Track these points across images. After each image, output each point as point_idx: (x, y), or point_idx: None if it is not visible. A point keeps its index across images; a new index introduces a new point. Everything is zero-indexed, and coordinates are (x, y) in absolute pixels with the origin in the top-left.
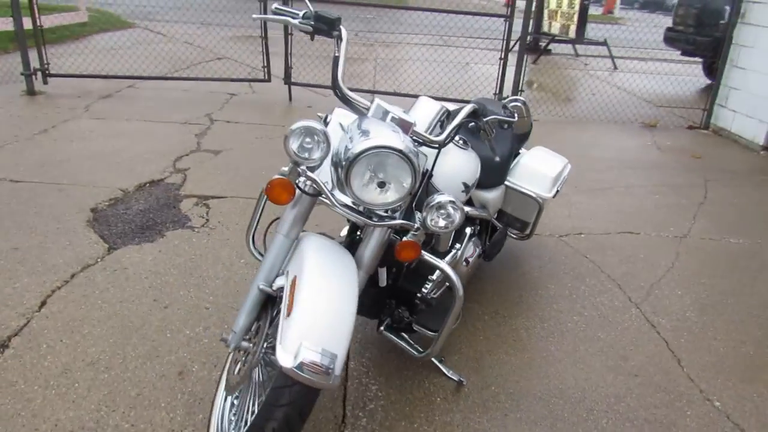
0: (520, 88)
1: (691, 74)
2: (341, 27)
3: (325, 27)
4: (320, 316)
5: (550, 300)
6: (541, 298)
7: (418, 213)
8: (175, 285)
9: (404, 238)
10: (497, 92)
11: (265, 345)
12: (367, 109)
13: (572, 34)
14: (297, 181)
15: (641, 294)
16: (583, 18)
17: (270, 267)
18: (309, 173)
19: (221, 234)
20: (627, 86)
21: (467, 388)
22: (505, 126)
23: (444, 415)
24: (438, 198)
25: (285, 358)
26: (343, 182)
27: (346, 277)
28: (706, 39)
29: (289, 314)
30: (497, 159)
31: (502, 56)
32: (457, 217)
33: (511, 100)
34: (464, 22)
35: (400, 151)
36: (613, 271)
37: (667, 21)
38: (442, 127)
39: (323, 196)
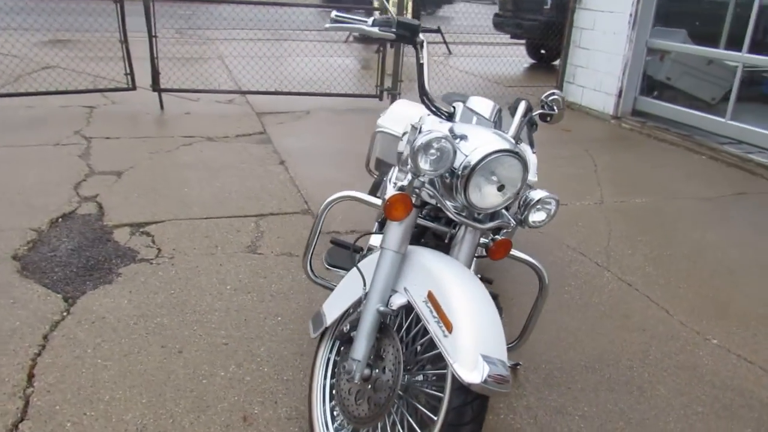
0: (399, 78)
1: (518, 55)
2: (420, 33)
3: (407, 34)
4: (484, 326)
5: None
6: (527, 275)
7: (505, 211)
8: (174, 326)
9: (498, 237)
10: (379, 84)
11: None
12: (452, 114)
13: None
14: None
15: (603, 258)
16: (417, 7)
17: (384, 287)
18: (427, 185)
19: (186, 262)
20: (470, 70)
21: (523, 370)
22: (548, 119)
23: (520, 399)
24: (537, 194)
25: (470, 375)
26: (458, 189)
27: (475, 281)
28: (531, 23)
29: (450, 331)
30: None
31: (381, 48)
32: (554, 208)
33: (550, 94)
34: (289, 14)
35: (516, 153)
36: (570, 241)
37: (491, 9)
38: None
39: (437, 205)
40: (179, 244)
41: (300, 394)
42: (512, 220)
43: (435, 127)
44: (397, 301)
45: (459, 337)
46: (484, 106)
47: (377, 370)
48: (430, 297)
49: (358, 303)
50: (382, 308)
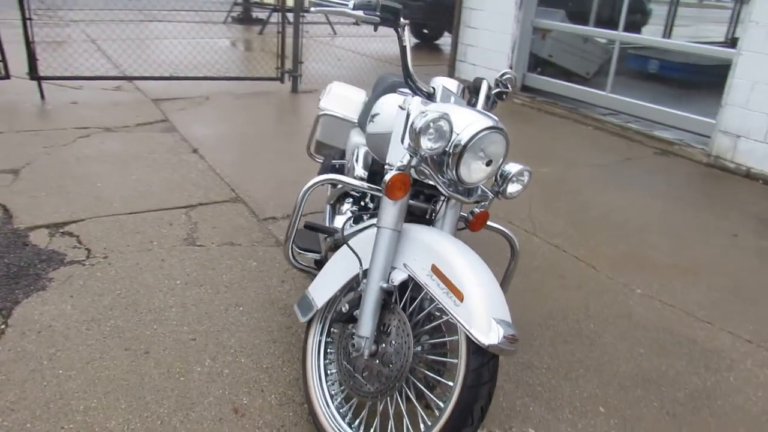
0: (299, 60)
1: None
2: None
3: (391, 17)
4: (490, 292)
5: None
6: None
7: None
8: (131, 327)
9: (476, 210)
10: (280, 66)
11: (414, 339)
12: (432, 95)
13: (290, 2)
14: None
15: (529, 225)
16: None
17: (385, 265)
18: (423, 164)
19: (123, 260)
20: (358, 50)
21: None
22: (503, 97)
23: None
24: (514, 168)
25: (487, 338)
26: (449, 166)
27: (471, 251)
28: (417, 3)
29: (461, 300)
30: None
31: (280, 30)
32: (527, 180)
33: (504, 73)
34: None
35: (501, 129)
36: (498, 212)
37: None
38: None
39: (430, 182)
40: (110, 242)
41: (285, 380)
42: (490, 193)
43: (428, 107)
44: (398, 277)
45: (471, 304)
46: (450, 84)
47: (383, 345)
48: (435, 270)
49: (353, 282)
50: (385, 285)
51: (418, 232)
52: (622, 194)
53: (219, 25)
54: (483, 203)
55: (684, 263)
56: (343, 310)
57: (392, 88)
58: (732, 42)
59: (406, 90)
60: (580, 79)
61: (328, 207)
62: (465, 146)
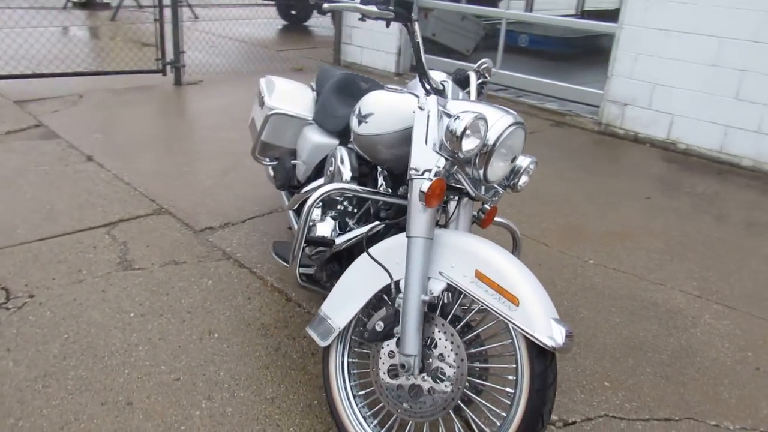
0: (181, 50)
1: (269, 16)
2: None
3: (405, 12)
4: (540, 292)
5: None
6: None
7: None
8: (98, 376)
9: (487, 207)
10: (160, 57)
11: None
12: (443, 91)
13: None
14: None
15: None
16: None
17: (423, 275)
18: (458, 168)
19: (55, 298)
20: (227, 34)
21: None
22: (484, 87)
23: None
24: (525, 161)
25: (552, 339)
26: (477, 166)
27: (507, 252)
28: None
29: (517, 304)
30: None
31: (157, 17)
32: (533, 170)
33: (483, 62)
34: None
35: (522, 123)
36: None
37: None
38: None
39: (460, 185)
40: (29, 277)
41: (297, 409)
42: (500, 188)
43: (450, 106)
44: (437, 287)
45: (528, 308)
46: (439, 78)
47: (429, 360)
48: (480, 276)
49: (379, 297)
50: (426, 297)
51: (449, 237)
52: (537, 169)
53: (59, 11)
54: (495, 199)
55: (616, 229)
56: (377, 328)
57: (347, 83)
58: (582, 13)
59: (394, 86)
60: (461, 56)
61: (291, 214)
62: (494, 145)
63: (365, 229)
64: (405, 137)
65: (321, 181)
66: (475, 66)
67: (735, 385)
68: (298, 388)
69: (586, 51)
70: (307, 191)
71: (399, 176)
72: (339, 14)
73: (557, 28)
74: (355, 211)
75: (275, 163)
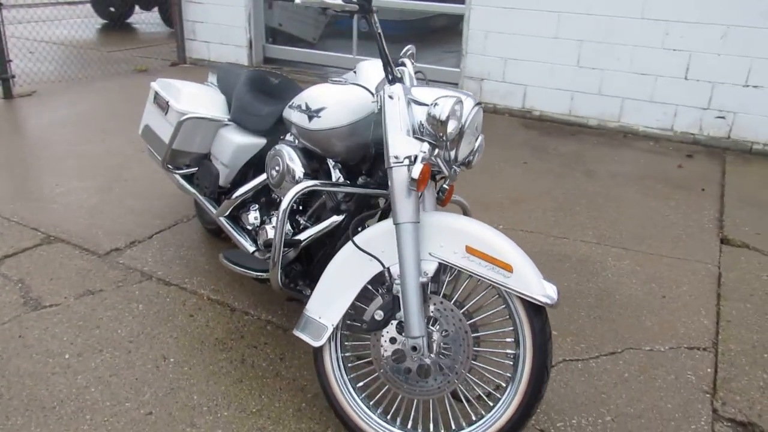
0: (7, 59)
1: (84, 15)
2: None
3: (366, 4)
4: (526, 257)
5: None
6: None
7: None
8: (54, 429)
9: (446, 186)
10: None
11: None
12: (401, 79)
13: None
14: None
15: None
16: None
17: (416, 259)
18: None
19: None
20: (45, 38)
21: None
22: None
23: None
24: (479, 139)
25: (548, 297)
26: (450, 147)
27: (484, 223)
28: None
29: (511, 270)
30: None
31: None
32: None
33: (408, 49)
34: None
35: (480, 104)
36: None
37: None
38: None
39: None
40: None
41: (288, 414)
42: (457, 168)
43: (420, 93)
44: (430, 267)
45: (522, 272)
46: (377, 66)
47: (433, 338)
48: (471, 251)
49: (373, 287)
50: (424, 279)
51: (431, 218)
52: None
53: None
54: (453, 178)
55: (511, 195)
56: (377, 318)
57: (258, 80)
58: None
59: (338, 78)
60: (308, 45)
61: (224, 221)
62: (465, 125)
63: (326, 224)
64: (357, 129)
65: (255, 182)
66: (402, 53)
67: (652, 313)
68: (280, 394)
69: (427, 32)
70: (239, 195)
71: (351, 168)
72: (178, 9)
73: (397, 11)
74: (301, 207)
75: (196, 170)
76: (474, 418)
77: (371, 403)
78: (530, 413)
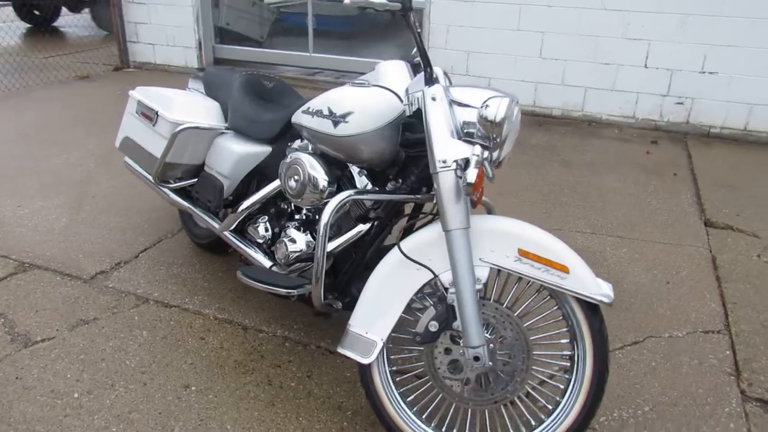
0: None
1: (3, 20)
2: None
3: (408, 2)
4: (578, 257)
5: None
6: None
7: None
8: None
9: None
10: None
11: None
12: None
13: None
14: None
15: None
16: None
17: (471, 266)
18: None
19: None
20: None
21: None
22: None
23: None
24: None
25: (606, 296)
26: (494, 148)
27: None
28: None
29: (567, 272)
30: None
31: None
32: None
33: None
34: None
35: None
36: None
37: None
38: None
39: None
40: None
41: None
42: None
43: (459, 94)
44: (482, 273)
45: (578, 272)
46: (403, 66)
47: (491, 345)
48: (523, 253)
49: (423, 297)
50: (479, 286)
51: (477, 222)
52: None
53: None
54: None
55: (500, 189)
56: (432, 329)
57: (253, 85)
58: None
59: (360, 80)
60: (256, 44)
61: (229, 235)
62: (503, 119)
63: (353, 233)
64: (386, 133)
65: (263, 193)
66: (413, 53)
67: (662, 300)
68: (318, 415)
69: (381, 27)
70: (246, 208)
71: (377, 174)
72: (118, 10)
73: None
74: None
75: (195, 183)
76: (534, 423)
77: (423, 417)
78: (594, 413)
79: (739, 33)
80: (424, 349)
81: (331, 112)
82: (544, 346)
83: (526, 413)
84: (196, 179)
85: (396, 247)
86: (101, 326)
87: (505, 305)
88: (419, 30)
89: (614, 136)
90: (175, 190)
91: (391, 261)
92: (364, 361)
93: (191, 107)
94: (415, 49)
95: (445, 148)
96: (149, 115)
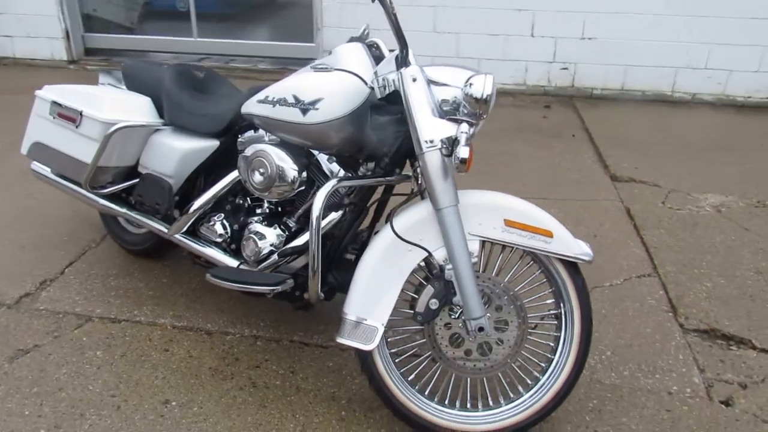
0: None
1: None
2: None
3: None
4: (555, 219)
5: None
6: None
7: None
8: None
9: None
10: None
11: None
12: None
13: None
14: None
15: None
16: None
17: (465, 241)
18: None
19: None
20: None
21: None
22: None
23: None
24: None
25: (587, 255)
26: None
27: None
28: None
29: (551, 236)
30: None
31: None
32: None
33: (365, 28)
34: None
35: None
36: None
37: None
38: None
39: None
40: None
41: (330, 428)
42: None
43: (436, 73)
44: (474, 246)
45: (561, 236)
46: (359, 48)
47: (488, 314)
48: (509, 223)
49: (413, 276)
50: (474, 259)
51: (461, 199)
52: None
53: None
54: None
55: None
56: (433, 306)
57: (185, 76)
58: None
59: (321, 64)
60: (126, 30)
61: (181, 237)
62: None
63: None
64: (356, 117)
65: (216, 189)
66: (361, 32)
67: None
68: (314, 408)
69: (255, 8)
70: (199, 207)
71: (345, 160)
72: None
73: None
74: (280, 209)
75: (137, 185)
76: (530, 383)
77: (426, 393)
78: (583, 365)
79: None
80: (426, 327)
81: (297, 100)
82: (533, 308)
83: (522, 374)
84: (128, 182)
85: (386, 230)
86: (46, 353)
87: (494, 275)
88: (395, 12)
89: (510, 104)
90: (108, 196)
91: (382, 243)
92: (367, 348)
93: (122, 104)
94: (363, 29)
95: (431, 128)
96: (70, 116)
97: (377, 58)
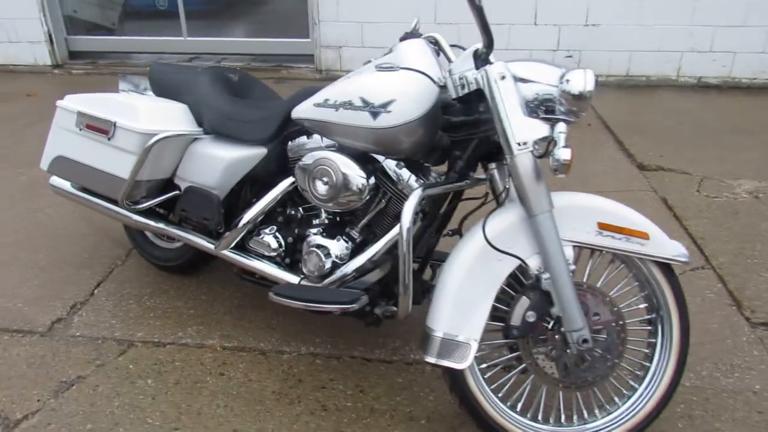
0: None
1: None
2: None
3: None
4: (649, 220)
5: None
6: None
7: None
8: None
9: None
10: None
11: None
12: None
13: None
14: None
15: None
16: None
17: (562, 250)
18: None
19: None
20: None
21: None
22: None
23: None
24: None
25: (684, 256)
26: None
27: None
28: None
29: (647, 238)
30: None
31: None
32: None
33: (417, 23)
34: None
35: None
36: None
37: None
38: None
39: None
40: None
41: None
42: None
43: (521, 69)
44: (569, 253)
45: (657, 237)
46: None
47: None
48: (603, 226)
49: (512, 288)
50: (573, 267)
51: (566, 196)
52: None
53: None
54: None
55: None
56: (530, 320)
57: (220, 80)
58: None
59: (385, 63)
60: (107, 31)
61: (230, 253)
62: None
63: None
64: (429, 119)
65: (267, 200)
66: (413, 27)
67: None
68: (392, 430)
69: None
70: (249, 221)
71: (414, 164)
72: None
73: None
74: (338, 219)
75: (180, 198)
76: (626, 393)
77: (518, 410)
78: (684, 369)
79: None
80: (520, 342)
81: (366, 103)
82: (628, 315)
83: (617, 384)
84: (164, 195)
85: (474, 238)
86: (93, 384)
87: (586, 281)
88: (481, 4)
89: None
90: (143, 212)
91: (471, 252)
92: (461, 366)
93: (159, 113)
94: (414, 23)
95: (523, 129)
96: (102, 128)
97: (437, 54)
